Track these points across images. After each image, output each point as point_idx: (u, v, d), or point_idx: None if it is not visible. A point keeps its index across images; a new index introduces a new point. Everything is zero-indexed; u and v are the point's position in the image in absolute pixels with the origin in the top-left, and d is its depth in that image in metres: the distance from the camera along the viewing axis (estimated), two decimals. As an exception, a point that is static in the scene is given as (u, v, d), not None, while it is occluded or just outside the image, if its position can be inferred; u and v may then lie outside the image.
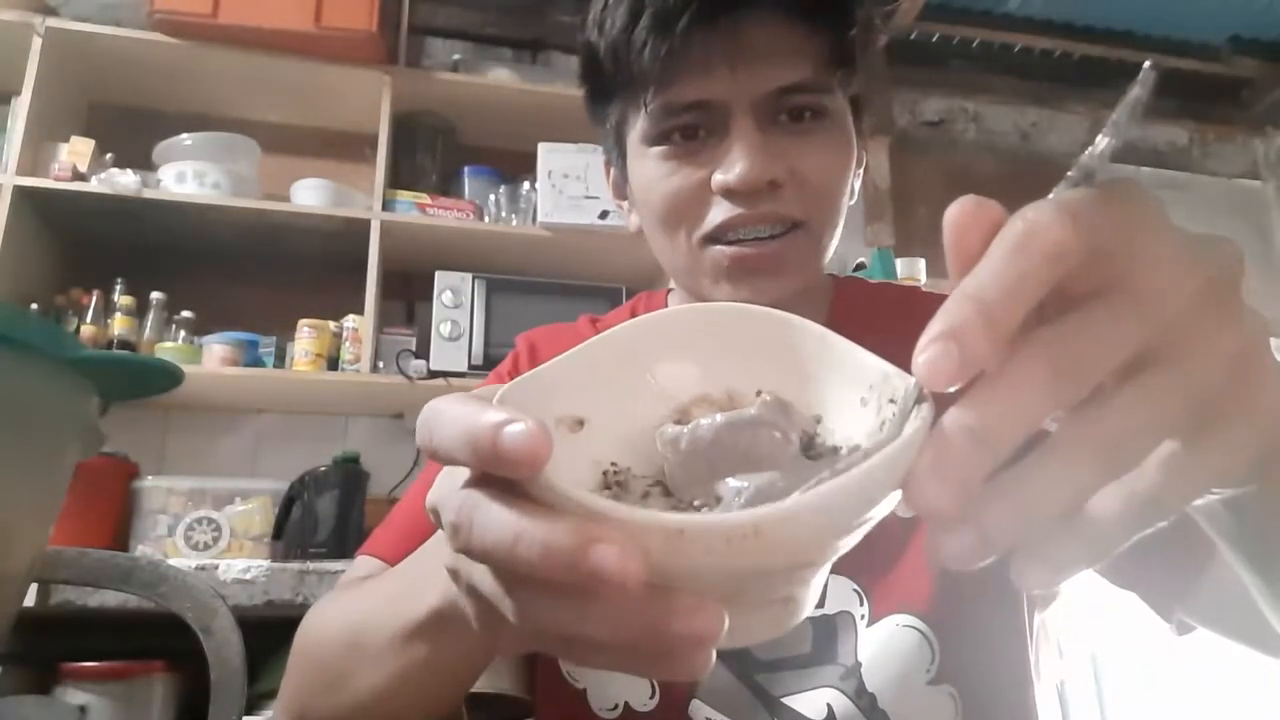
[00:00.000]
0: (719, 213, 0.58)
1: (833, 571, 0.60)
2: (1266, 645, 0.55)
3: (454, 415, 0.24)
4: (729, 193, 0.57)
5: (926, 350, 0.22)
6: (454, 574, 0.29)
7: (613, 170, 0.69)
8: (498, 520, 0.23)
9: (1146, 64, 0.24)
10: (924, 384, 0.22)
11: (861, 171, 0.66)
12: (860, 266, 2.19)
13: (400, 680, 0.44)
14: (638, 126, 0.61)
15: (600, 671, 0.62)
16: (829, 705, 0.58)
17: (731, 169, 0.56)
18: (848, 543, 0.25)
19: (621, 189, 0.68)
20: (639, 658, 0.24)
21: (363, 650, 0.46)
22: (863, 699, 0.58)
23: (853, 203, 0.64)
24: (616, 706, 0.62)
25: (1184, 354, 0.23)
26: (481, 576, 0.26)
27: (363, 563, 0.66)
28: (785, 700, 0.59)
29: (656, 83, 0.57)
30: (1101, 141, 0.24)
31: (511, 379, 0.69)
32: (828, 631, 0.60)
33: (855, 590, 0.61)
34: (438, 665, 0.42)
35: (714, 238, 0.59)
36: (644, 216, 0.64)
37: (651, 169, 0.61)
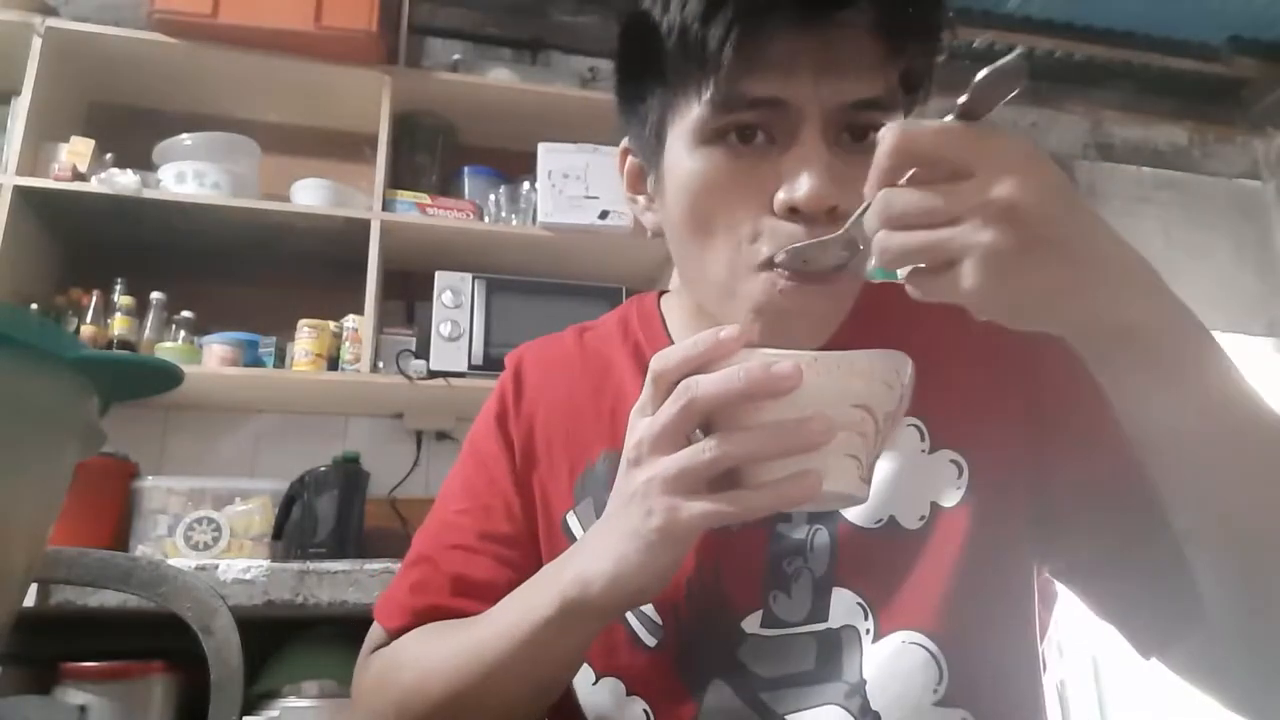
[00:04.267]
0: (776, 235, 0.54)
1: (836, 584, 0.59)
2: (1243, 706, 0.55)
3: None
4: (792, 212, 0.53)
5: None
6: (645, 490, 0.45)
7: (632, 160, 0.65)
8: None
9: (1017, 52, 0.40)
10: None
11: None
12: (860, 266, 2.19)
13: (514, 670, 0.53)
14: (689, 118, 0.56)
15: (606, 699, 0.62)
16: None
17: (799, 188, 0.52)
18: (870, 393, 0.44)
19: (640, 183, 0.64)
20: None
21: (482, 658, 0.54)
22: (867, 717, 0.57)
23: None
24: None
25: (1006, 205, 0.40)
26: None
27: (378, 635, 0.69)
28: (789, 718, 0.58)
29: (728, 73, 0.52)
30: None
31: (501, 404, 0.69)
32: (832, 647, 0.59)
33: (860, 604, 0.59)
34: (556, 652, 0.53)
35: (769, 263, 0.54)
36: (675, 218, 0.59)
37: (698, 170, 0.56)
